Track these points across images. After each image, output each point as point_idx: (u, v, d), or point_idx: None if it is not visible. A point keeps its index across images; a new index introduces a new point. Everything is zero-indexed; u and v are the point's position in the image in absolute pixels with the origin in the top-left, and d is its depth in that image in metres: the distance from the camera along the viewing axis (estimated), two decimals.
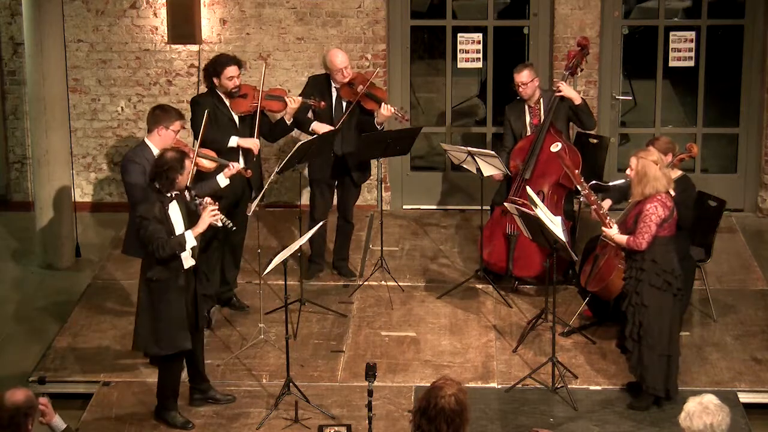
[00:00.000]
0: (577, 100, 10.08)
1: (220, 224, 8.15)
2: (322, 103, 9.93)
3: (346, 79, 9.97)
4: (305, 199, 10.71)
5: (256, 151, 9.58)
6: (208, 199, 8.17)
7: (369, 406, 7.21)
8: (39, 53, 10.65)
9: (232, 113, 9.57)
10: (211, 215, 8.04)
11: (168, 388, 8.34)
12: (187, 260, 8.13)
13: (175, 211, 8.04)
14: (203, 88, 10.67)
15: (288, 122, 9.80)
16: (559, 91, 10.04)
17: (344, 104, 10.03)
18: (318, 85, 10.06)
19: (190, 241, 7.98)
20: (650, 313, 8.30)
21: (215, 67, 9.52)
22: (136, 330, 8.28)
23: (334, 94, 10.04)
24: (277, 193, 12.01)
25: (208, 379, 8.60)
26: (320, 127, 9.90)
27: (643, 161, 8.28)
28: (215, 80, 9.49)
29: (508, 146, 10.26)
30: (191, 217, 8.09)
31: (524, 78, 10.07)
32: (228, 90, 9.48)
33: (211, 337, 9.34)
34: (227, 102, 9.54)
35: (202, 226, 8.03)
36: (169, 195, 8.00)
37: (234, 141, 9.50)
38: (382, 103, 9.97)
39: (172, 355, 8.19)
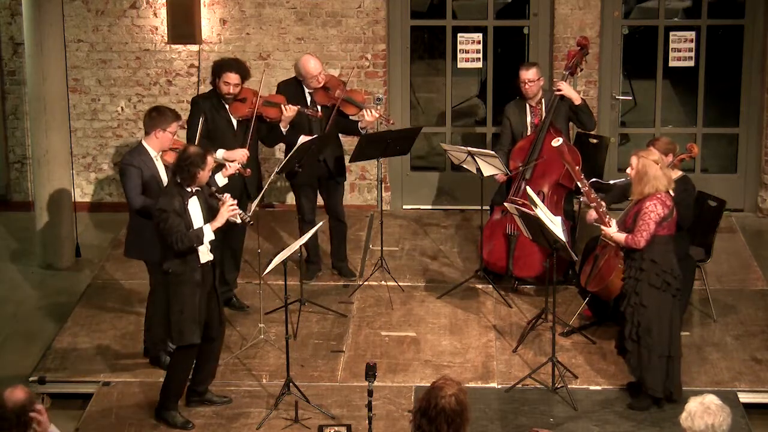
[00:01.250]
0: (577, 100, 10.08)
1: (239, 220, 8.28)
2: (319, 113, 9.88)
3: (321, 84, 9.94)
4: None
5: (244, 161, 9.39)
6: (227, 195, 8.25)
7: (369, 406, 7.20)
8: (39, 53, 10.65)
9: (231, 116, 9.57)
10: (229, 210, 8.14)
11: (174, 384, 8.33)
12: (204, 255, 8.18)
13: (194, 206, 8.11)
14: (204, 88, 10.67)
15: (284, 130, 9.78)
16: (559, 90, 10.04)
17: (319, 108, 9.96)
18: (290, 91, 9.96)
19: (208, 234, 8.06)
20: (649, 313, 8.29)
21: (217, 68, 9.53)
22: (166, 323, 8.40)
23: (308, 99, 10.00)
24: (277, 194, 12.01)
25: (210, 381, 8.59)
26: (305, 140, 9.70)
27: (644, 160, 8.29)
28: (216, 80, 9.50)
29: (506, 146, 10.24)
30: (211, 213, 8.18)
31: (531, 75, 10.07)
32: (223, 94, 9.48)
33: None
34: (227, 104, 9.54)
35: (220, 220, 8.12)
36: (189, 190, 8.06)
37: (220, 154, 9.39)
38: (365, 109, 9.94)
39: (185, 351, 8.22)
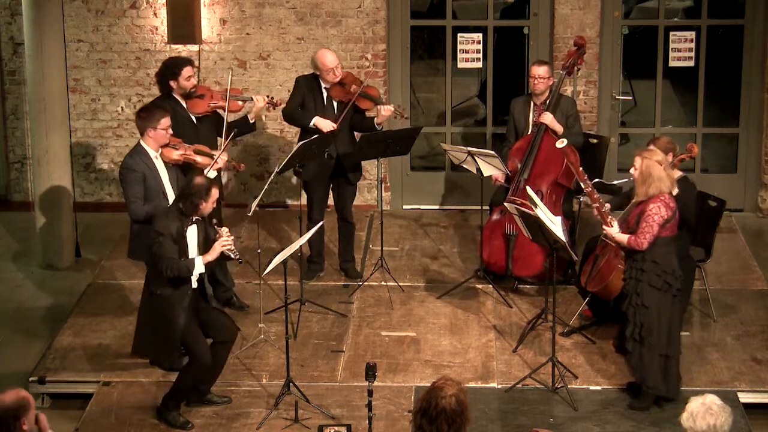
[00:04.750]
0: (560, 131, 10.01)
1: (232, 256, 8.25)
2: (278, 100, 9.91)
3: (338, 79, 9.93)
4: (305, 199, 10.70)
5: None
6: (225, 229, 8.25)
7: (369, 406, 7.21)
8: (39, 53, 10.64)
9: (190, 114, 9.54)
10: (222, 244, 8.13)
11: (182, 390, 8.37)
12: (193, 282, 8.23)
13: (192, 235, 8.15)
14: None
15: (251, 121, 9.75)
16: (542, 123, 9.99)
17: (335, 104, 9.98)
18: (308, 86, 9.99)
19: (199, 267, 8.10)
20: (650, 313, 8.30)
21: (173, 69, 9.47)
22: (136, 336, 8.44)
23: (324, 94, 10.00)
24: (277, 193, 12.01)
25: (214, 381, 8.59)
26: (322, 122, 9.85)
27: (648, 161, 8.29)
28: (173, 83, 9.44)
29: (511, 141, 10.26)
30: (207, 243, 8.20)
31: (542, 72, 10.10)
32: (186, 90, 9.46)
33: None
34: (184, 104, 9.52)
35: (212, 254, 8.14)
36: (190, 218, 8.08)
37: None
38: (381, 104, 9.96)
39: (200, 360, 8.25)
